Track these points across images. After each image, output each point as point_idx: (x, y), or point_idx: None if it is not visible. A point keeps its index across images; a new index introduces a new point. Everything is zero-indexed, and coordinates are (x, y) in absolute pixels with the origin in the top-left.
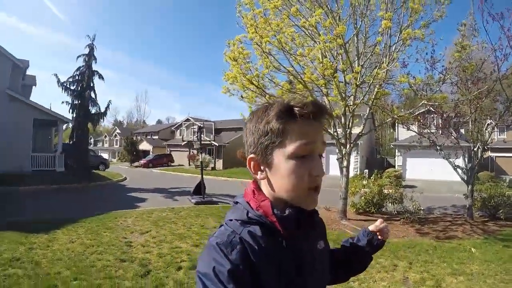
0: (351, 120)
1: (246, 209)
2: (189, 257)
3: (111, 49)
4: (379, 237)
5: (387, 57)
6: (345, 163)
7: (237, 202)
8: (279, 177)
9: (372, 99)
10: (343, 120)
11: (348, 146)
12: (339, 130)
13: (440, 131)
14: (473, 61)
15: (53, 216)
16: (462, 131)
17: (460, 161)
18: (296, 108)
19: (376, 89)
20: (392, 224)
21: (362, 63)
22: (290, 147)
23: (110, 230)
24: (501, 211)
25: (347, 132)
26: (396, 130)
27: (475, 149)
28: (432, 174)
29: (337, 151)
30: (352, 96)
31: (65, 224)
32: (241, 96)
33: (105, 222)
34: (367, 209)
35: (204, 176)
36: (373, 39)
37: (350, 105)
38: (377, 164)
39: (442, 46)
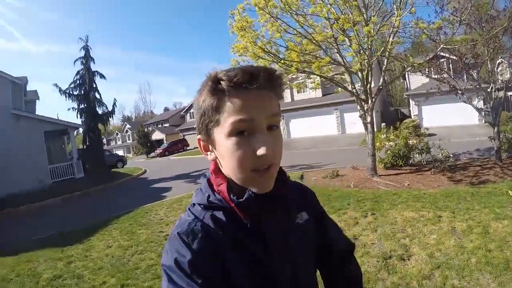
0: (370, 74)
1: (207, 193)
2: None
3: (104, 47)
4: None
5: (400, 3)
6: (368, 119)
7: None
8: (224, 158)
9: (389, 49)
10: (360, 75)
11: (369, 101)
12: (357, 86)
13: (464, 74)
14: None
15: (84, 223)
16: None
17: (480, 104)
18: (224, 82)
19: (391, 39)
20: (424, 175)
21: (374, 14)
22: (226, 125)
23: (145, 226)
24: None
25: (367, 87)
26: (407, 79)
27: (496, 89)
28: (449, 120)
29: (358, 107)
30: (368, 50)
31: (98, 229)
32: None
33: (137, 219)
34: (395, 163)
35: None
36: None
37: (366, 59)
38: (392, 116)
39: None
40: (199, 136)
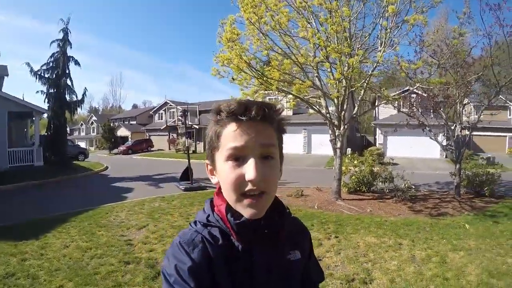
0: (346, 102)
1: (208, 212)
2: None
3: (81, 32)
4: None
5: (385, 39)
6: (338, 144)
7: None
8: (221, 181)
9: (367, 81)
10: (336, 101)
11: (342, 127)
12: (331, 111)
13: (432, 112)
14: (464, 46)
15: (40, 216)
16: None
17: (444, 141)
18: (222, 112)
19: (371, 72)
20: (385, 202)
21: (359, 46)
22: (223, 150)
23: (105, 228)
24: (486, 188)
25: (342, 114)
26: (376, 109)
27: (462, 129)
28: (412, 151)
29: (330, 132)
30: (348, 80)
31: (54, 225)
32: (232, 78)
33: (96, 219)
34: (358, 189)
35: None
36: (367, 21)
37: (344, 87)
38: (357, 142)
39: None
40: (206, 161)
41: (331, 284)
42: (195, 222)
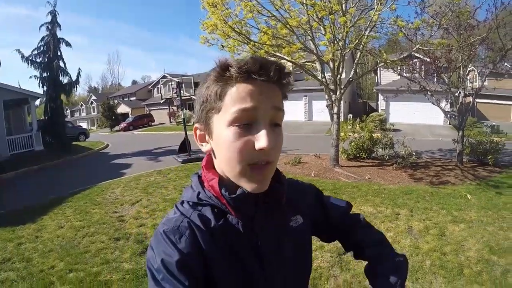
0: (341, 65)
1: (197, 190)
2: None
3: (75, 13)
4: None
5: None
6: (335, 110)
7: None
8: (220, 149)
9: (364, 43)
10: (331, 65)
11: (338, 92)
12: (328, 76)
13: (435, 77)
14: (467, 6)
15: (38, 200)
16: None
17: (447, 107)
18: (233, 68)
19: (367, 33)
20: (385, 169)
21: (353, 5)
22: (228, 113)
23: (99, 205)
24: (489, 157)
25: (337, 77)
26: (378, 74)
27: (466, 95)
28: (415, 118)
29: (326, 97)
30: (342, 41)
31: (52, 207)
32: (221, 45)
33: (92, 197)
34: (358, 155)
35: (187, 132)
36: None
37: (339, 50)
38: (359, 108)
39: None
40: (196, 125)
41: (321, 257)
42: (182, 203)
